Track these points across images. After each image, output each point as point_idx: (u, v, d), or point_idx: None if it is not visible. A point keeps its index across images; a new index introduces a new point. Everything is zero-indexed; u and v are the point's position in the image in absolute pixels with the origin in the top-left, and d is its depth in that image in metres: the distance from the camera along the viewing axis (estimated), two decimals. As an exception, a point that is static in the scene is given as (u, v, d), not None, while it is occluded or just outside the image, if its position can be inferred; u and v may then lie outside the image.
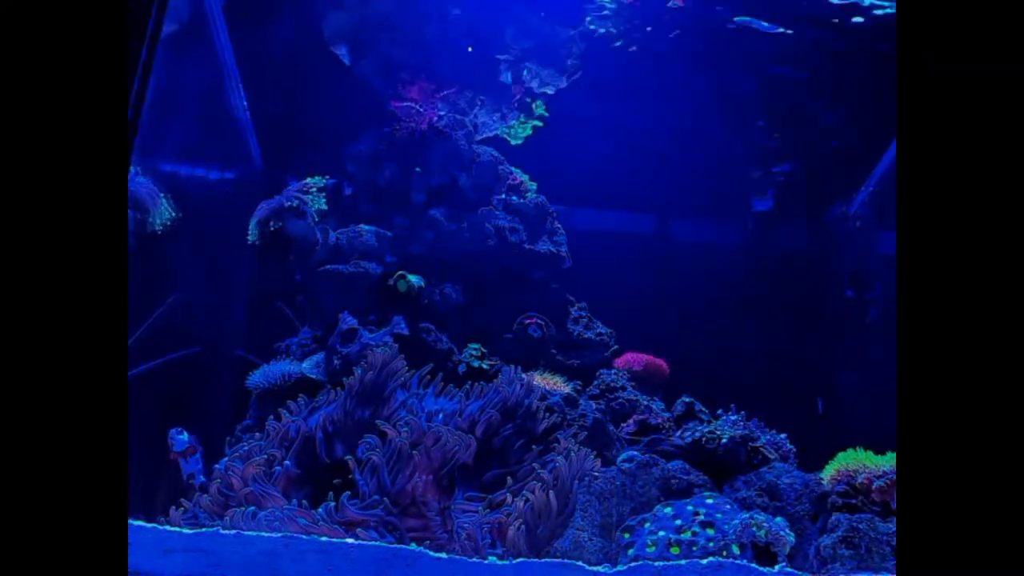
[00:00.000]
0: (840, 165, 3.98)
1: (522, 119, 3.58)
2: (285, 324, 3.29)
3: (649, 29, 3.37)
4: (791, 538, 1.84)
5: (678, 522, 1.92)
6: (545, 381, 2.87)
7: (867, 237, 3.94)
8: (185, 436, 2.34)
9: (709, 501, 2.02)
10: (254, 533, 1.71)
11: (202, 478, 2.35)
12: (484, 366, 3.01)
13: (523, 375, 2.61)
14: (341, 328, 2.88)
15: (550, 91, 3.55)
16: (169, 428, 2.38)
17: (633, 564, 1.71)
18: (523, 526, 2.01)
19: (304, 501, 2.10)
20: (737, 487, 2.30)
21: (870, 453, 2.19)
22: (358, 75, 3.44)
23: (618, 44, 3.48)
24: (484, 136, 3.58)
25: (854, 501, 2.10)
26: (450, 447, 2.16)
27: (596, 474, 2.18)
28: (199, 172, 3.44)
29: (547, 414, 2.50)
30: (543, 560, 1.73)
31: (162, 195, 2.73)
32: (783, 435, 2.64)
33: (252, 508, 2.00)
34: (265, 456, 2.25)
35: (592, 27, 3.48)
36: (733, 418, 2.62)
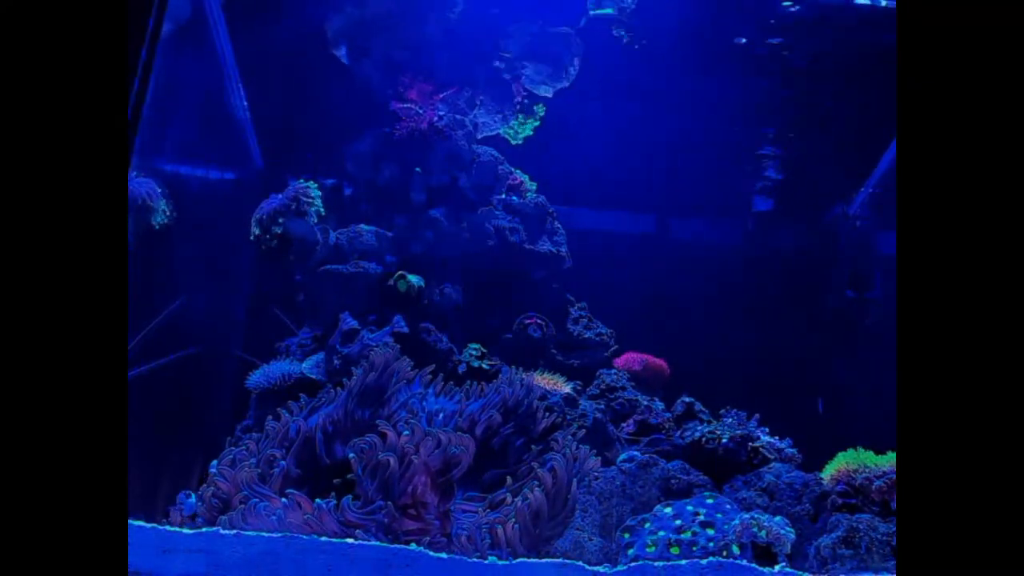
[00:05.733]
0: (840, 165, 3.98)
1: (522, 119, 3.58)
2: (283, 325, 3.29)
3: (641, 26, 3.37)
4: (791, 535, 1.84)
5: (678, 522, 1.92)
6: (545, 381, 2.87)
7: (867, 237, 3.94)
8: (193, 499, 2.30)
9: (709, 501, 2.02)
10: (254, 533, 1.71)
11: None
12: (484, 366, 3.01)
13: (524, 375, 2.61)
14: (342, 328, 2.88)
15: (549, 92, 3.55)
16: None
17: (633, 564, 1.71)
18: (521, 525, 2.01)
19: (303, 494, 2.10)
20: (737, 487, 2.30)
21: (870, 453, 2.19)
22: (358, 75, 3.44)
23: (619, 41, 3.48)
24: (484, 136, 3.58)
25: (854, 501, 2.10)
26: (451, 452, 2.16)
27: (596, 474, 2.18)
28: (199, 172, 3.44)
29: (547, 414, 2.50)
30: (543, 560, 1.73)
31: (161, 193, 2.73)
32: (783, 435, 2.65)
33: (253, 501, 2.00)
34: (257, 459, 2.24)
35: (592, 26, 3.48)
36: (731, 419, 2.62)
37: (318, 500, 2.02)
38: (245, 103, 3.52)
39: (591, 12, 3.36)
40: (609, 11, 3.34)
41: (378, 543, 1.73)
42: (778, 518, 1.88)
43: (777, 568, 1.69)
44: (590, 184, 3.80)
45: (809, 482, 2.25)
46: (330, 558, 1.64)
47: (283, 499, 2.05)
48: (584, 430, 2.56)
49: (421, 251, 3.30)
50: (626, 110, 3.71)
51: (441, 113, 3.41)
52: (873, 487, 2.08)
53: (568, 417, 2.63)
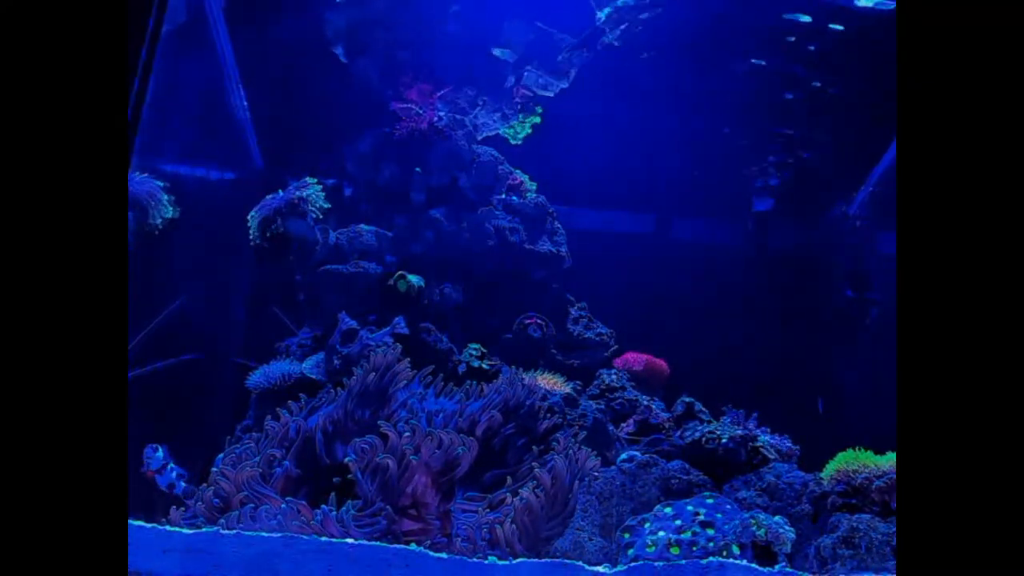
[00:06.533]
0: (840, 165, 3.98)
1: (522, 119, 3.58)
2: (283, 325, 3.29)
3: (642, 27, 3.37)
4: (791, 534, 1.84)
5: (678, 522, 1.92)
6: (545, 381, 2.87)
7: (867, 237, 3.94)
8: (161, 453, 2.29)
9: (709, 501, 2.02)
10: (254, 533, 1.71)
11: (182, 484, 2.33)
12: (484, 366, 3.01)
13: (524, 376, 2.61)
14: (341, 328, 2.88)
15: (550, 92, 3.55)
16: (160, 437, 2.34)
17: (633, 564, 1.71)
18: (519, 525, 2.01)
19: (303, 501, 2.10)
20: (737, 487, 2.30)
21: (870, 453, 2.19)
22: (358, 75, 3.44)
23: (618, 44, 3.47)
24: (484, 136, 3.58)
25: (854, 501, 2.10)
26: (452, 452, 2.16)
27: (596, 474, 2.18)
28: (199, 172, 3.44)
29: (548, 414, 2.50)
30: (543, 560, 1.73)
31: (162, 194, 2.73)
32: (784, 435, 2.65)
33: (250, 506, 2.00)
34: (258, 459, 2.24)
35: (592, 26, 3.47)
36: (731, 419, 2.62)
37: (323, 507, 2.02)
38: (245, 103, 3.52)
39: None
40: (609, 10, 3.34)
41: (378, 543, 1.73)
42: (778, 517, 1.88)
43: (777, 568, 1.69)
44: (590, 184, 3.80)
45: (809, 482, 2.24)
46: (330, 558, 1.64)
47: (283, 503, 2.05)
48: (584, 430, 2.56)
49: (421, 251, 3.30)
50: (626, 110, 3.72)
51: (441, 113, 3.41)
52: (873, 487, 2.08)
53: (568, 417, 2.63)
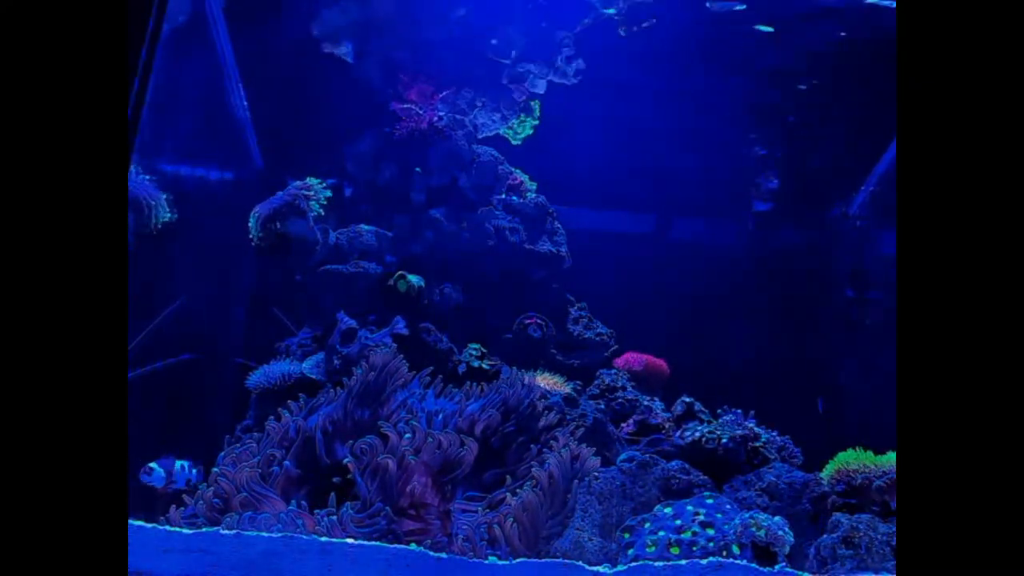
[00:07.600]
0: (840, 165, 3.98)
1: (522, 119, 3.58)
2: (283, 325, 3.29)
3: (647, 24, 3.36)
4: (790, 537, 1.84)
5: (678, 522, 1.92)
6: (545, 381, 2.87)
7: (867, 237, 3.94)
8: (160, 470, 2.25)
9: (709, 501, 2.02)
10: (254, 533, 1.71)
11: (194, 472, 2.30)
12: (484, 366, 3.01)
13: (524, 376, 2.61)
14: (340, 328, 2.88)
15: (546, 91, 3.55)
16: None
17: (633, 564, 1.71)
18: (518, 524, 2.01)
19: (303, 502, 2.10)
20: (737, 487, 2.30)
21: (870, 453, 2.19)
22: (358, 75, 3.44)
23: (619, 41, 3.47)
24: (484, 136, 3.57)
25: (854, 501, 2.10)
26: (452, 453, 2.16)
27: (596, 474, 2.18)
28: (199, 172, 3.44)
29: (547, 413, 2.50)
30: (543, 560, 1.73)
31: (162, 195, 2.73)
32: (784, 435, 2.65)
33: (250, 513, 2.00)
34: (258, 458, 2.24)
35: (592, 26, 3.47)
36: (731, 417, 2.62)
37: (325, 515, 2.02)
38: (245, 103, 3.52)
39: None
40: (611, 11, 3.34)
41: (378, 543, 1.73)
42: (777, 518, 1.88)
43: (777, 568, 1.69)
44: (590, 184, 3.80)
45: (809, 482, 2.25)
46: (330, 558, 1.64)
47: (284, 512, 2.05)
48: (584, 430, 2.56)
49: (421, 251, 3.30)
50: (626, 110, 3.71)
51: (441, 113, 3.41)
52: (873, 487, 2.08)
53: (568, 417, 2.63)
